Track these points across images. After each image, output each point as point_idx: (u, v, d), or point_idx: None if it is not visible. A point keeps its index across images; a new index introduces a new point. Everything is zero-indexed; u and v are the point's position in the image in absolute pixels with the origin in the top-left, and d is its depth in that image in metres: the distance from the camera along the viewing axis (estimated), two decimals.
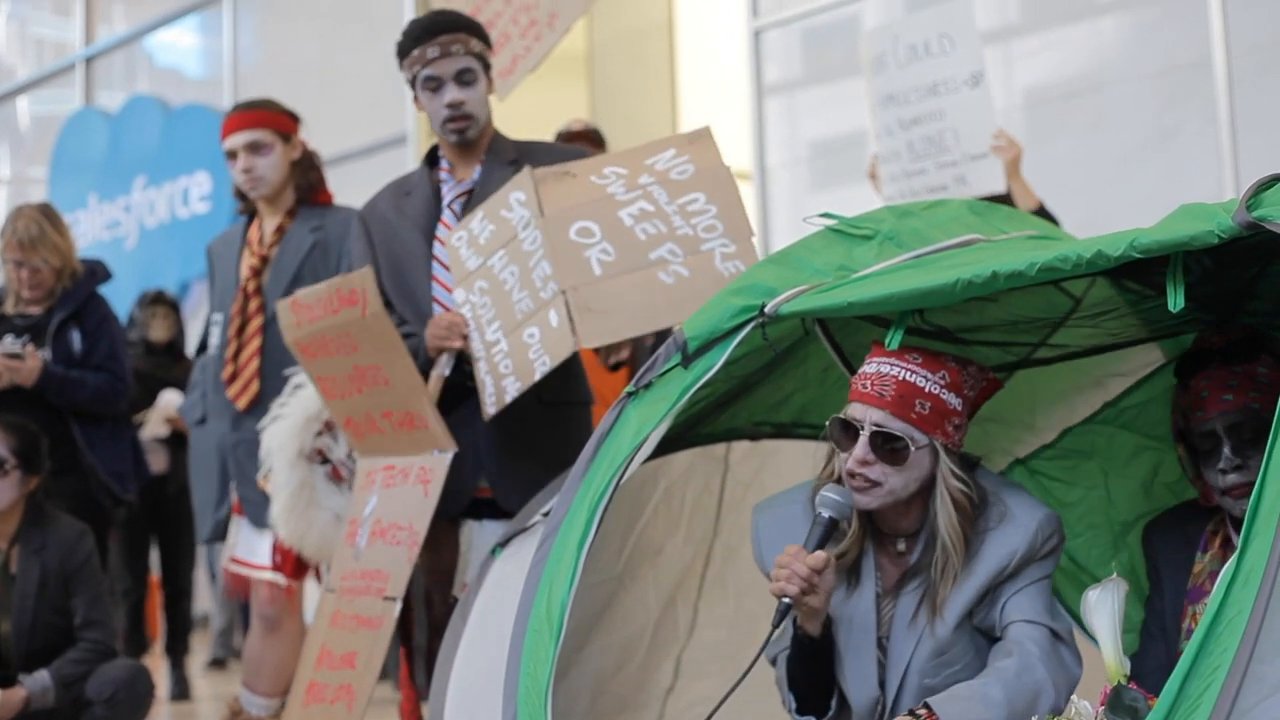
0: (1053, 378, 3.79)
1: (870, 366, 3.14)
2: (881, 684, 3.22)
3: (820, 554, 3.07)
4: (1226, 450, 3.18)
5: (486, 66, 4.50)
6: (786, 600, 3.06)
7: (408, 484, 4.20)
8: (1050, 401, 3.86)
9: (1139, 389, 3.76)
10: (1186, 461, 3.40)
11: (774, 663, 3.34)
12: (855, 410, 3.12)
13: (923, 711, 2.92)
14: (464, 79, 4.42)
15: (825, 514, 3.11)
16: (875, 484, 3.10)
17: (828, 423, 3.18)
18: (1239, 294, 3.18)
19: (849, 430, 3.12)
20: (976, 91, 5.62)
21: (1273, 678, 2.20)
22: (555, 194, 4.07)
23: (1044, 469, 3.92)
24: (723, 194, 4.05)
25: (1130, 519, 3.78)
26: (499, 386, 4.11)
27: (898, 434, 3.07)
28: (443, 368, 4.27)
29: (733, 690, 3.07)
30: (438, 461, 4.16)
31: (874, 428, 3.08)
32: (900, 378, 3.09)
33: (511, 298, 4.11)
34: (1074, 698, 2.79)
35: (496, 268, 4.18)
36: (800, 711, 3.28)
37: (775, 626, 3.07)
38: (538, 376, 4.00)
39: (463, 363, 4.28)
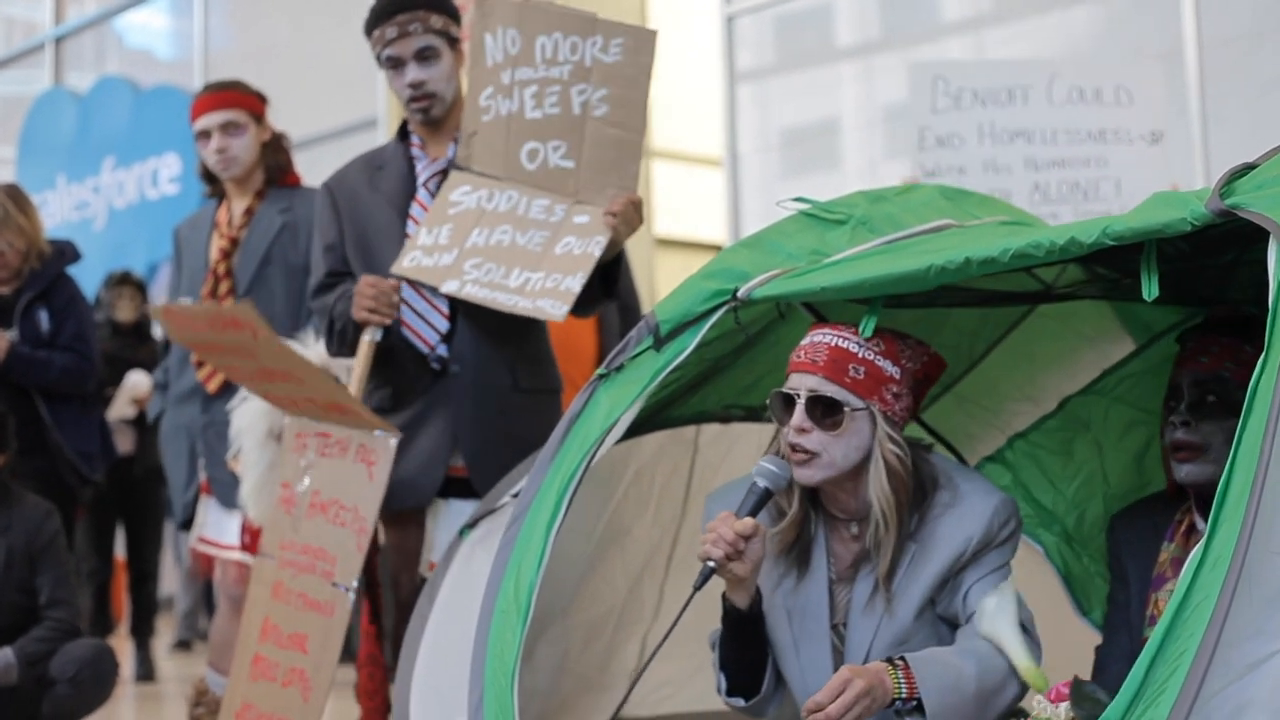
0: (1050, 341, 3.81)
1: (805, 339, 3.15)
2: None
3: (749, 520, 3.04)
4: (1183, 405, 3.16)
5: (453, 41, 4.46)
6: (710, 564, 3.03)
7: (347, 459, 4.09)
8: (1047, 367, 3.87)
9: (1136, 358, 3.77)
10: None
11: (713, 647, 3.32)
12: (792, 380, 3.12)
13: (900, 663, 2.91)
14: (424, 56, 4.39)
15: (760, 483, 3.10)
16: (814, 455, 3.07)
17: (768, 400, 3.17)
18: (1211, 281, 3.18)
19: (787, 402, 3.11)
20: (1154, 148, 5.54)
21: (1239, 662, 2.20)
22: (485, 154, 4.33)
23: (1043, 442, 3.93)
24: (546, 21, 4.29)
25: (1122, 493, 3.79)
26: (559, 290, 4.09)
27: (832, 397, 3.06)
28: (373, 334, 4.25)
29: (663, 641, 3.08)
30: (380, 443, 4.04)
31: (809, 393, 3.07)
32: (832, 344, 3.09)
33: (518, 243, 4.21)
34: (1038, 698, 2.79)
35: (481, 242, 4.22)
36: (730, 692, 3.27)
37: (696, 589, 3.03)
38: (598, 254, 4.10)
39: (391, 327, 4.28)
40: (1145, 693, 2.24)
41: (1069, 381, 3.88)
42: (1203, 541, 2.27)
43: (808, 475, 3.10)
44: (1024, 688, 3.00)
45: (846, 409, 3.06)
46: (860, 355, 3.08)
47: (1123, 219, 2.68)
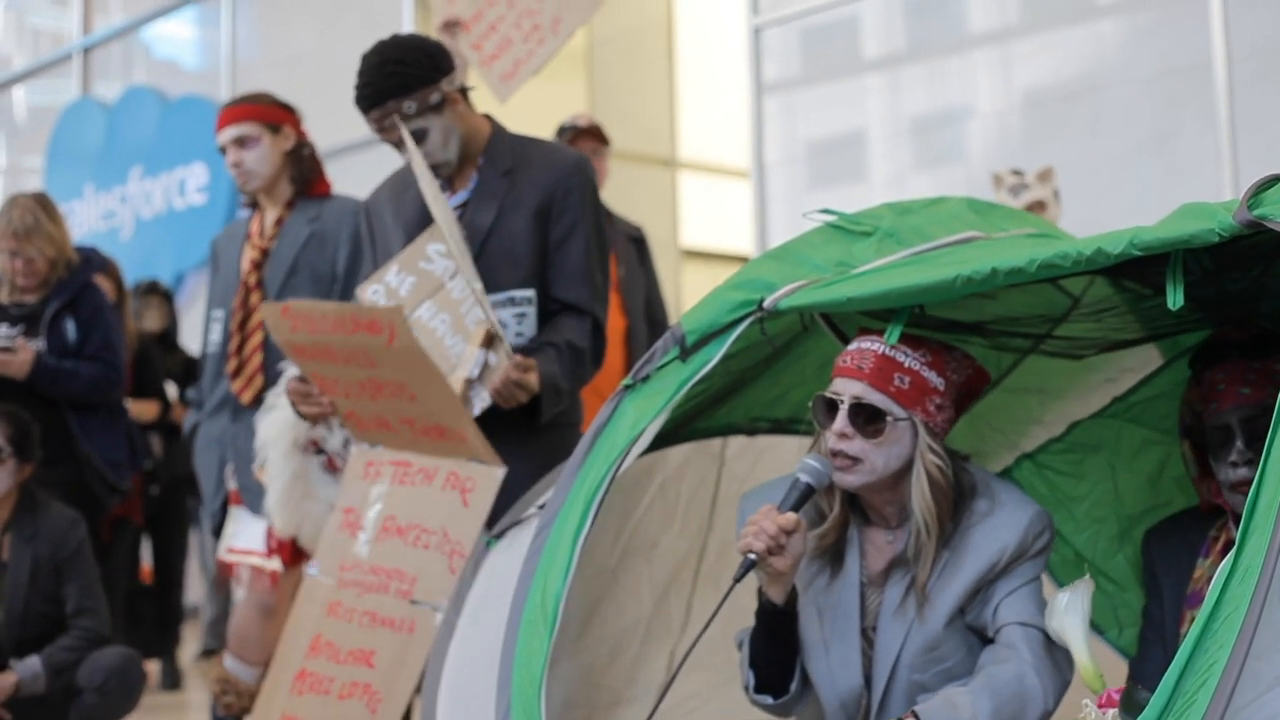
0: (1061, 372, 3.80)
1: (853, 345, 3.17)
2: (867, 678, 3.19)
3: (791, 515, 3.05)
4: (1239, 444, 3.15)
5: (440, 102, 4.29)
6: (751, 557, 3.04)
7: (432, 486, 4.09)
8: (1059, 395, 3.87)
9: (1148, 384, 3.77)
10: (1190, 460, 3.38)
11: (740, 646, 3.34)
12: (836, 385, 3.13)
13: (909, 718, 2.91)
14: (414, 138, 4.27)
15: (803, 479, 3.10)
16: (856, 460, 3.08)
17: (811, 402, 3.18)
18: (1242, 296, 3.17)
19: (831, 406, 3.13)
20: None
21: (1269, 674, 2.20)
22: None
23: (1051, 463, 3.93)
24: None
25: (1136, 513, 3.79)
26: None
27: (876, 405, 3.07)
28: (481, 405, 4.22)
29: (700, 636, 3.08)
30: (483, 473, 4.01)
31: (852, 400, 3.08)
32: (880, 352, 3.10)
33: (445, 344, 4.21)
34: (1085, 701, 2.78)
35: (425, 317, 4.26)
36: (758, 689, 3.27)
37: (736, 580, 3.05)
38: (477, 412, 4.10)
39: None
40: (1175, 704, 2.24)
41: (1080, 407, 3.88)
42: (1232, 553, 2.27)
43: (849, 480, 3.12)
44: (1056, 702, 3.00)
45: (889, 418, 3.07)
46: (906, 365, 3.09)
47: (1150, 230, 2.67)
